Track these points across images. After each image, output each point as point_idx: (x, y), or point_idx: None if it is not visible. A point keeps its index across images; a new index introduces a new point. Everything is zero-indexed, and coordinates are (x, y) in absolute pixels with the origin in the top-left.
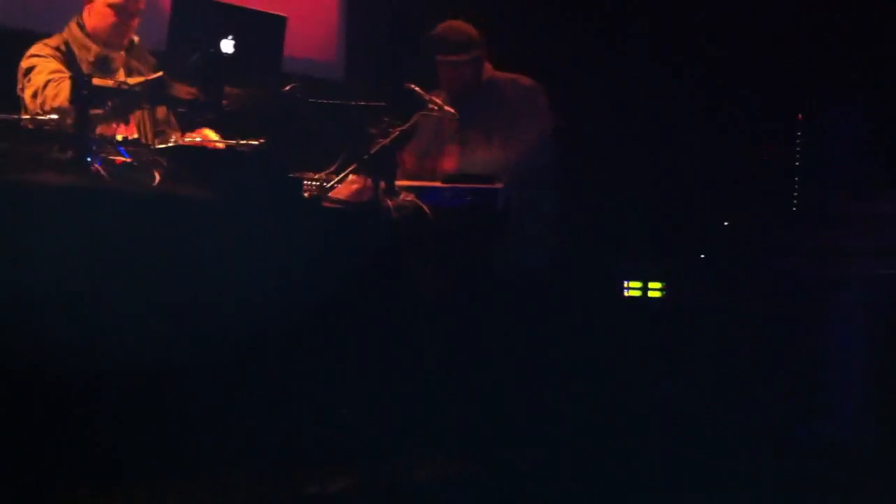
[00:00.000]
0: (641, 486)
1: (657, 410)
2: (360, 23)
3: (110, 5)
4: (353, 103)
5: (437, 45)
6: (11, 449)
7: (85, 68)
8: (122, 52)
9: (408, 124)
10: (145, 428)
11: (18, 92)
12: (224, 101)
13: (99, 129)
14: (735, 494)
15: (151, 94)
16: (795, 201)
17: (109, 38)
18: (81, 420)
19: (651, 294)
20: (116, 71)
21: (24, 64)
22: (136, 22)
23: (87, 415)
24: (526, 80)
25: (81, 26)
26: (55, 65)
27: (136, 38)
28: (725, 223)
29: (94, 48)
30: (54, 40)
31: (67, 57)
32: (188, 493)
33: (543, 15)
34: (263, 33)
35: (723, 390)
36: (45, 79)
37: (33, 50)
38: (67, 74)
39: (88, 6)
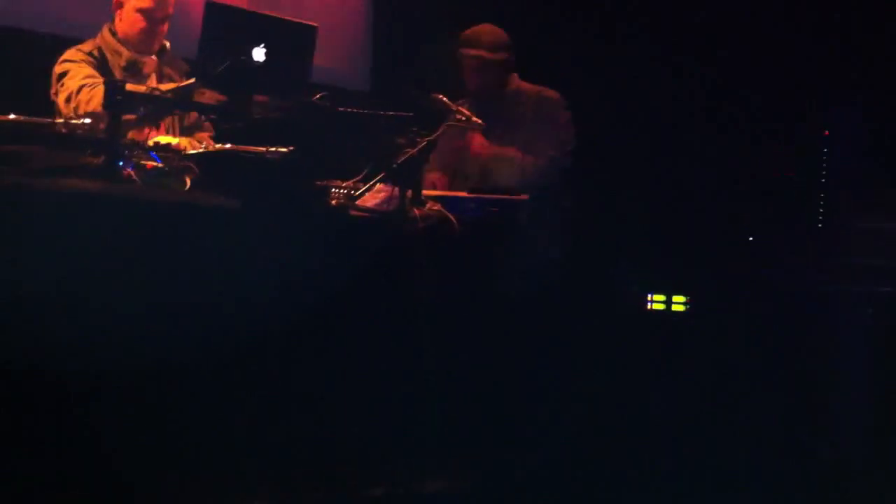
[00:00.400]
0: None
1: (669, 423)
2: (387, 33)
3: (140, 10)
4: (381, 113)
5: (469, 42)
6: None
7: (117, 74)
8: (154, 58)
9: (435, 134)
10: (159, 430)
11: (52, 96)
12: (253, 110)
13: (131, 135)
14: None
15: (182, 101)
16: (821, 218)
17: (140, 43)
18: (94, 420)
19: (675, 308)
20: (148, 76)
21: (58, 69)
22: (165, 27)
23: (104, 414)
24: (551, 93)
25: (113, 32)
26: (88, 70)
27: (167, 44)
28: (750, 238)
29: (126, 53)
30: (87, 46)
31: (100, 62)
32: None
33: (556, 23)
34: (294, 42)
35: (738, 404)
36: (78, 84)
37: (67, 55)
38: (100, 80)
39: (119, 12)
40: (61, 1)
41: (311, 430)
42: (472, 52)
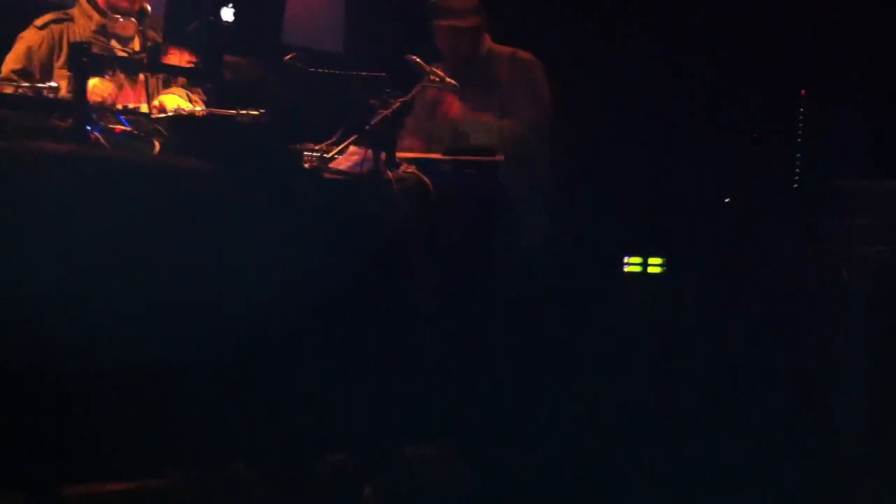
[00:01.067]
0: (642, 480)
1: (655, 398)
2: None
3: None
4: (354, 74)
5: (439, 11)
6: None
7: (88, 37)
8: (133, 21)
9: (409, 95)
10: (145, 416)
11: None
12: (224, 71)
13: (99, 97)
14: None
15: (151, 62)
16: (797, 180)
17: (118, 4)
18: (81, 409)
19: (651, 270)
20: (130, 39)
21: (16, 44)
22: None
23: (87, 400)
24: (525, 54)
25: (92, 3)
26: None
27: (147, 7)
28: (726, 200)
29: (97, 18)
30: (54, 15)
31: (57, 36)
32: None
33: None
34: (264, 2)
35: (722, 375)
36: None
37: (29, 30)
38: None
39: None
40: None
41: (289, 415)
42: (444, 22)
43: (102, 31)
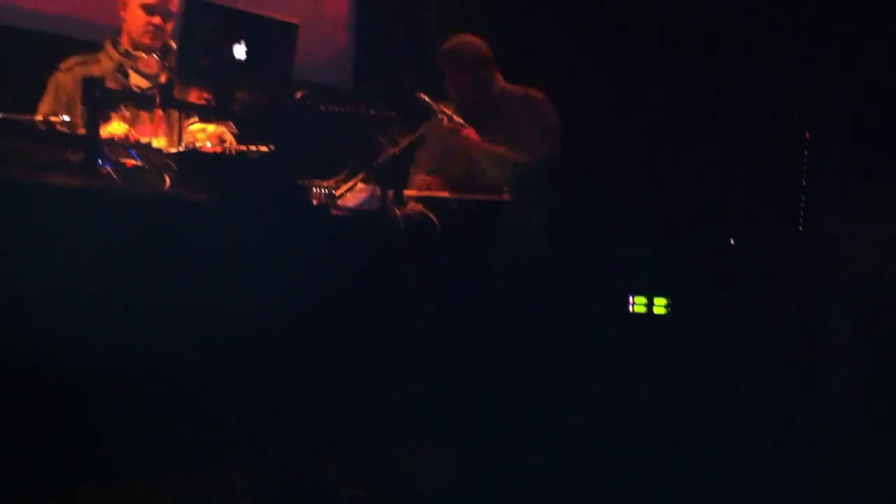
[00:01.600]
0: (638, 485)
1: (657, 420)
2: (369, 31)
3: (143, 6)
4: (363, 112)
5: (448, 61)
6: (13, 449)
7: (108, 78)
8: (156, 57)
9: (417, 133)
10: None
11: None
12: (234, 107)
13: (111, 132)
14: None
15: (163, 99)
16: (801, 222)
17: (142, 40)
18: (86, 420)
19: (656, 311)
20: (155, 76)
21: (49, 83)
22: (170, 26)
23: (88, 415)
24: (537, 93)
25: (115, 43)
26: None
27: (171, 43)
28: (731, 240)
29: (117, 57)
30: (82, 56)
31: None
32: (189, 490)
33: (549, 20)
34: (275, 40)
35: (723, 410)
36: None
37: (60, 75)
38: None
39: (123, 13)
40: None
41: (295, 429)
42: (455, 73)
43: (121, 69)
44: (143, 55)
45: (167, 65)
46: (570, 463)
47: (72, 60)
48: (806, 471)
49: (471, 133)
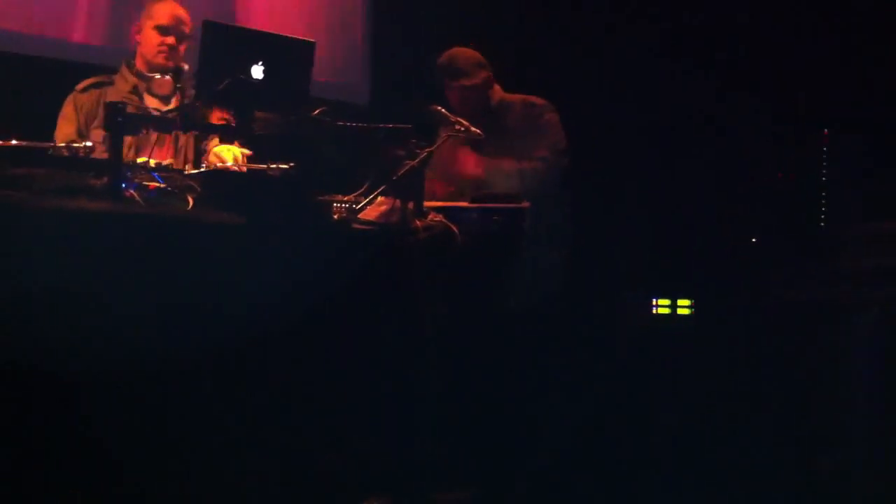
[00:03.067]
0: (663, 487)
1: (674, 433)
2: (383, 47)
3: (156, 27)
4: (381, 126)
5: (447, 71)
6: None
7: (123, 98)
8: (169, 79)
9: (435, 145)
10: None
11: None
12: (254, 126)
13: (133, 155)
14: None
15: (184, 120)
16: (822, 220)
17: (156, 60)
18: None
19: (680, 311)
20: (168, 98)
21: (64, 108)
22: (183, 48)
23: (100, 431)
24: (536, 99)
25: (130, 65)
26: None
27: (184, 65)
28: (753, 240)
29: (132, 79)
30: (98, 78)
31: (104, 93)
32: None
33: (555, 33)
34: (292, 59)
35: (741, 409)
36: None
37: (75, 96)
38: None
39: (138, 36)
40: (62, 25)
41: (316, 443)
42: (453, 81)
43: (135, 91)
44: (157, 76)
45: (179, 86)
46: (592, 467)
47: (88, 81)
48: (828, 474)
49: (469, 159)
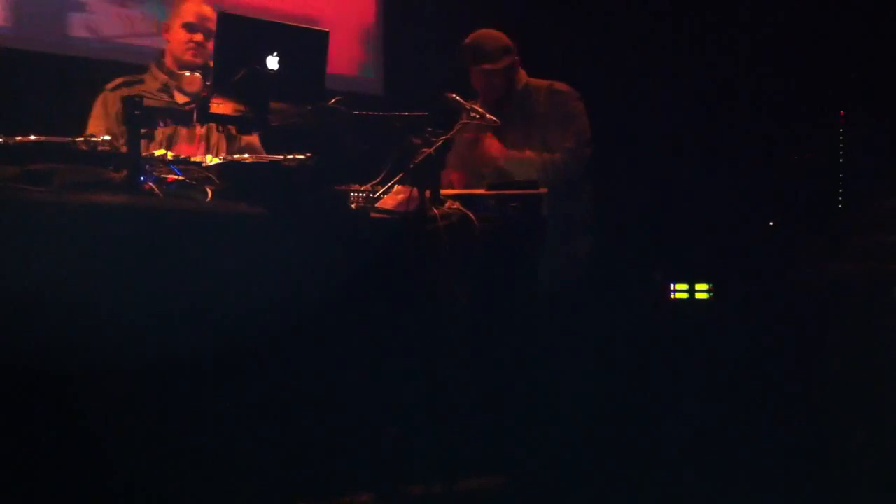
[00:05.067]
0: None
1: (700, 416)
2: (397, 37)
3: (184, 25)
4: (397, 114)
5: (471, 55)
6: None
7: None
8: (198, 75)
9: (451, 132)
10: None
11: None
12: (270, 117)
13: (152, 149)
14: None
15: (201, 113)
16: (840, 201)
17: (184, 57)
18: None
19: (698, 296)
20: (198, 94)
21: (95, 106)
22: (211, 44)
23: (123, 421)
24: (562, 86)
25: (160, 64)
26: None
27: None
28: (771, 223)
29: (162, 77)
30: (128, 77)
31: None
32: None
33: (578, 17)
34: (307, 48)
35: (767, 396)
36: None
37: (105, 96)
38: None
39: (166, 35)
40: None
41: (340, 431)
42: (479, 66)
43: (165, 88)
44: (187, 73)
45: (208, 83)
46: (612, 453)
47: (118, 80)
48: (856, 453)
49: (493, 143)
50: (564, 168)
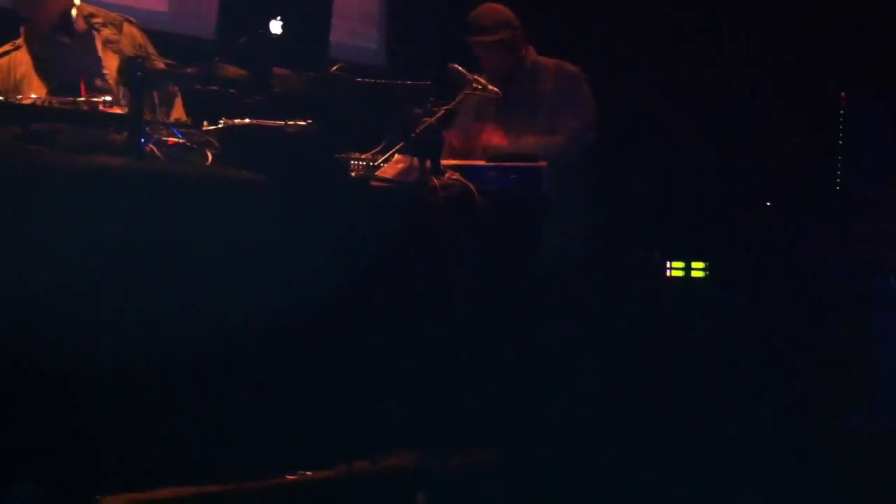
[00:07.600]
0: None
1: (695, 394)
2: (401, 7)
3: None
4: (399, 83)
5: (471, 27)
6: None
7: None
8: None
9: (453, 103)
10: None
11: None
12: (273, 83)
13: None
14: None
15: (203, 76)
16: (838, 184)
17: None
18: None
19: (694, 274)
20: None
21: None
22: None
23: (121, 395)
24: (570, 66)
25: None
26: None
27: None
28: (768, 203)
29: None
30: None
31: None
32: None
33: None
34: (310, 13)
35: (763, 376)
36: None
37: None
38: None
39: None
40: None
41: (342, 401)
42: (475, 38)
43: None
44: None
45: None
46: (610, 432)
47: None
48: (854, 435)
49: (495, 132)
50: (564, 150)
